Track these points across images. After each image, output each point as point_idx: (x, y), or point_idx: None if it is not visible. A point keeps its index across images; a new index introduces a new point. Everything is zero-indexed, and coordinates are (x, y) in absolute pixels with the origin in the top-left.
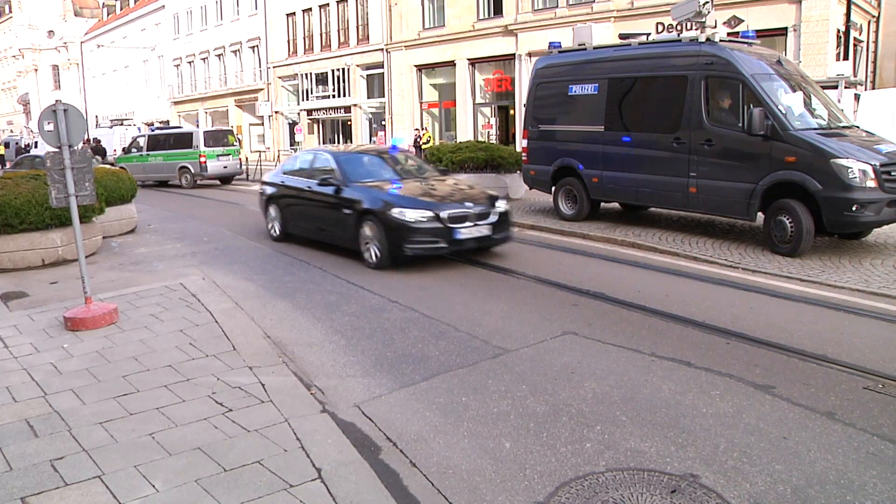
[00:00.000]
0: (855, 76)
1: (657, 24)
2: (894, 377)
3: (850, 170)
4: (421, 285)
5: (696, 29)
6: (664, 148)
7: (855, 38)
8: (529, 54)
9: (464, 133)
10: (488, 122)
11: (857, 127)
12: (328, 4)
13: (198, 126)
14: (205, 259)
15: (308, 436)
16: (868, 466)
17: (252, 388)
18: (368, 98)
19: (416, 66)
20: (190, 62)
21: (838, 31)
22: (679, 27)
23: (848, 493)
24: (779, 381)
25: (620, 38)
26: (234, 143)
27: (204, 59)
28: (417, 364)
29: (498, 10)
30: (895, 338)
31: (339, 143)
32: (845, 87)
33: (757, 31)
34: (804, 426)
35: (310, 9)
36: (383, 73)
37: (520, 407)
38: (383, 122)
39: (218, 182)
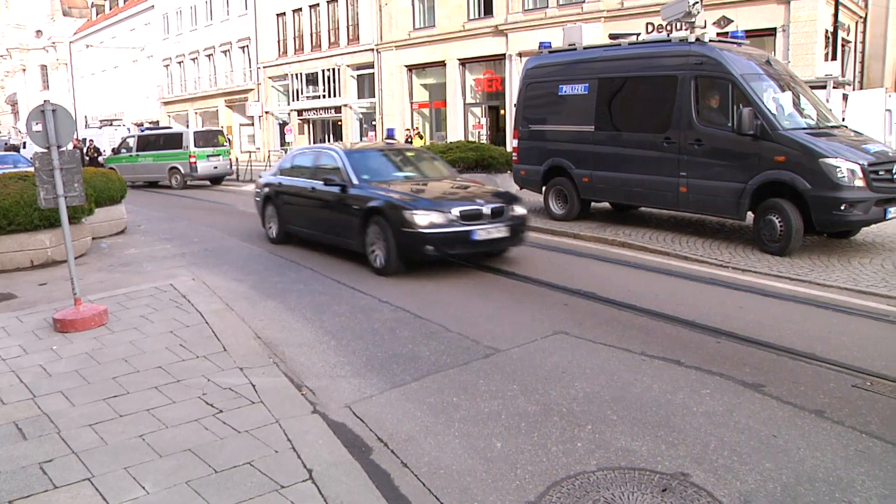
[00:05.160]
0: (843, 76)
1: (647, 24)
2: (882, 375)
3: (838, 169)
4: (411, 285)
5: (686, 29)
6: (654, 148)
7: (843, 39)
8: (520, 54)
9: (454, 133)
10: (479, 123)
11: (846, 127)
12: (318, 4)
13: (188, 126)
14: (195, 260)
15: (299, 436)
16: (856, 464)
17: (242, 389)
18: (359, 98)
19: (406, 66)
20: (180, 62)
21: (826, 31)
22: (669, 27)
23: (836, 491)
24: (769, 379)
25: (611, 38)
26: (224, 144)
27: (194, 60)
28: (408, 364)
29: (488, 10)
30: (883, 336)
31: (326, 142)
32: (834, 87)
33: (746, 31)
34: (794, 424)
35: (300, 9)
36: (374, 74)
37: (511, 407)
38: (373, 123)
39: (208, 183)
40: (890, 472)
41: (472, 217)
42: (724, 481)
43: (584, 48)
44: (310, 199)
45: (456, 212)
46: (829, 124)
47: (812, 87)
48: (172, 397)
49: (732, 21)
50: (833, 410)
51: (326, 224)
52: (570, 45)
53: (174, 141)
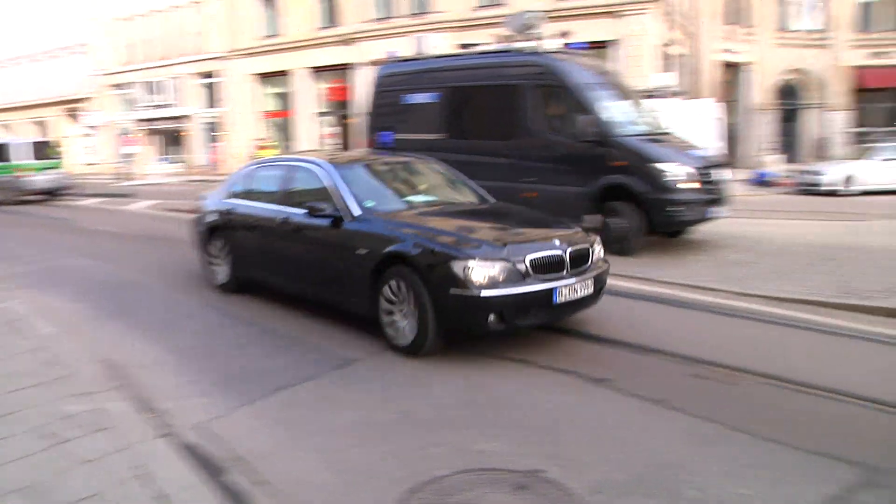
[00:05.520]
0: (673, 87)
1: (494, 34)
2: (716, 363)
3: (669, 173)
4: (262, 299)
5: (530, 40)
6: (502, 155)
7: (673, 53)
8: (370, 63)
9: (305, 143)
10: (330, 132)
11: (674, 133)
12: (164, 10)
13: (15, 137)
14: (30, 281)
15: (148, 462)
16: (697, 447)
17: (86, 417)
18: (206, 107)
19: (254, 74)
20: (6, 68)
21: (659, 44)
22: (516, 37)
23: (680, 473)
24: (616, 374)
25: (459, 47)
26: (57, 156)
27: (24, 65)
28: (261, 380)
29: (337, 19)
30: (716, 326)
31: (170, 153)
32: (665, 97)
33: (586, 43)
34: (640, 415)
35: (144, 14)
36: (221, 82)
37: (367, 417)
38: (214, 134)
39: (41, 197)
40: (727, 452)
41: (549, 267)
42: (576, 474)
43: (435, 57)
44: (281, 235)
45: (527, 260)
46: (660, 131)
47: (645, 97)
48: (7, 431)
49: (573, 33)
50: (675, 399)
51: (310, 272)
52: (418, 54)
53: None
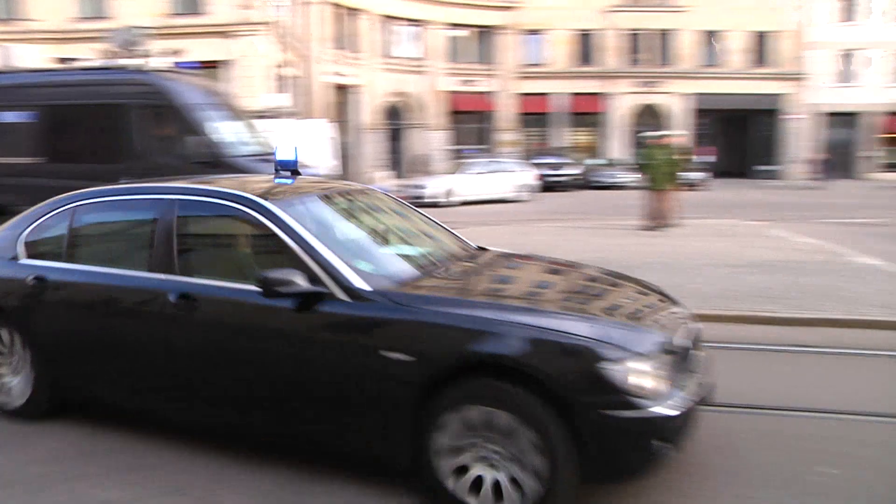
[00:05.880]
0: (287, 107)
1: (97, 49)
2: None
3: None
4: None
5: (136, 57)
6: (108, 180)
7: (287, 74)
8: None
9: None
10: None
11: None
12: None
13: None
14: None
15: None
16: None
17: None
18: None
19: None
20: None
21: (272, 65)
22: (121, 53)
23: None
24: None
25: (57, 61)
26: None
27: None
28: None
29: None
30: None
31: None
32: (278, 117)
33: (198, 62)
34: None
35: None
36: None
37: None
38: None
39: None
40: None
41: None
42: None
43: (27, 71)
44: (175, 325)
45: (684, 344)
46: (270, 151)
47: (259, 117)
48: None
49: (185, 52)
50: None
51: (255, 392)
52: (6, 67)
53: None
